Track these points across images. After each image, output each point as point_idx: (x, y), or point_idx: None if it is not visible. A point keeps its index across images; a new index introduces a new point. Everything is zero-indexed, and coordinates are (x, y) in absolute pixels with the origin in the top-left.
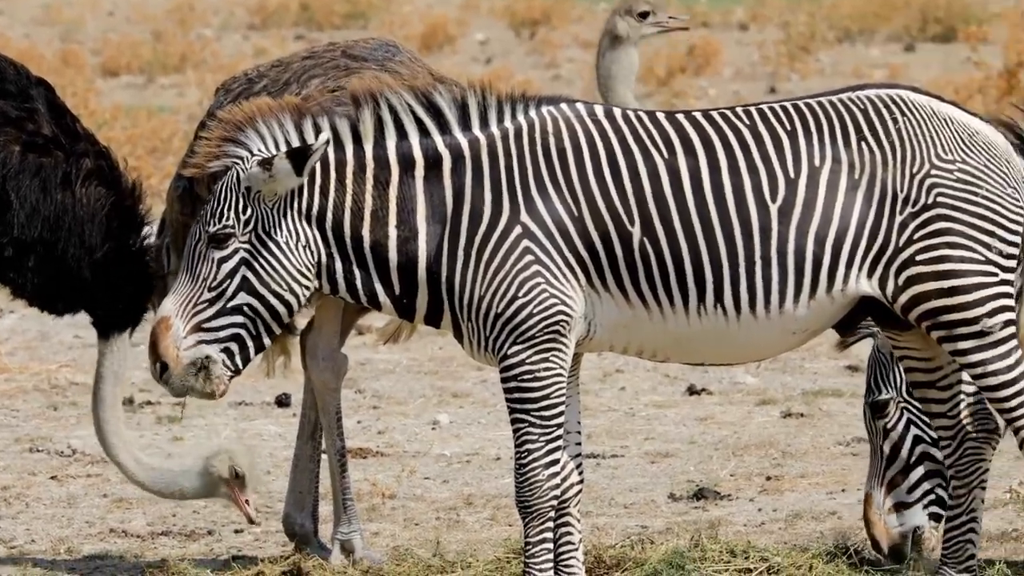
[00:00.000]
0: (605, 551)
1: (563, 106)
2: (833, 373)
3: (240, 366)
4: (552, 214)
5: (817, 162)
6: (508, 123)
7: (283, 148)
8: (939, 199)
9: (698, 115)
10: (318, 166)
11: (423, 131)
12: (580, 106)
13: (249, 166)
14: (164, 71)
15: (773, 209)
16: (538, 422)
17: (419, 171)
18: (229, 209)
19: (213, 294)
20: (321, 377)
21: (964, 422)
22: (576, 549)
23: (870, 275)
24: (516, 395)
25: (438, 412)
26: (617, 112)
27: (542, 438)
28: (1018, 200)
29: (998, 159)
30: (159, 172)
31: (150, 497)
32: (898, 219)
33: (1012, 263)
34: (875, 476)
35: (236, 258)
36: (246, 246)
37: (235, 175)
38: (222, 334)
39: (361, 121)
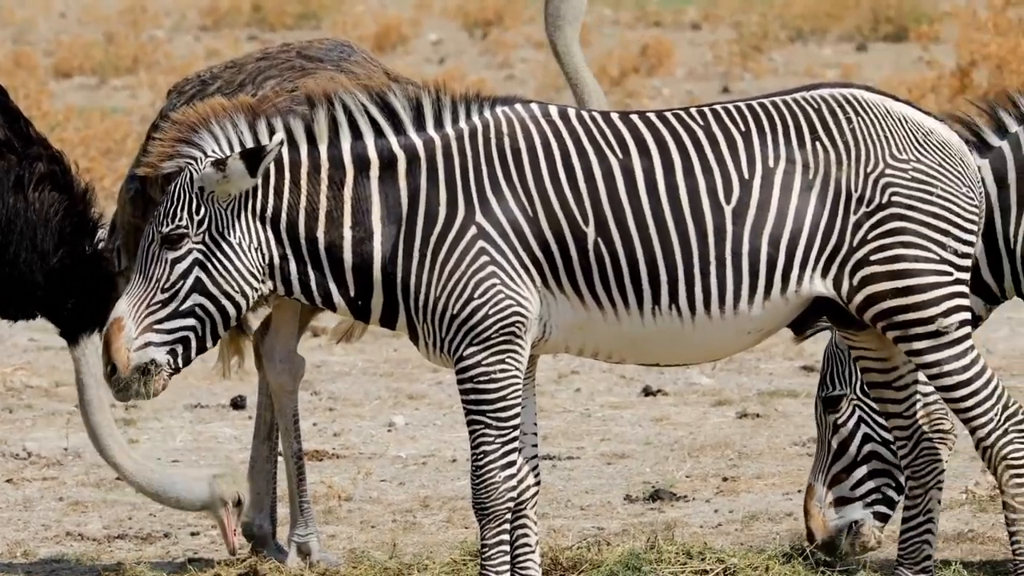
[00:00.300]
0: (561, 553)
1: (517, 106)
2: (788, 374)
3: (181, 366)
4: (507, 215)
5: (771, 162)
6: (463, 124)
7: (237, 149)
8: (893, 199)
9: (652, 116)
10: (272, 167)
11: (378, 132)
12: (534, 106)
13: (203, 167)
14: (116, 72)
15: (727, 210)
16: (494, 424)
17: (374, 172)
18: (182, 210)
19: (166, 295)
20: (278, 380)
21: (920, 423)
22: (532, 551)
23: (824, 275)
24: (472, 397)
25: (394, 414)
26: (571, 112)
27: (498, 440)
28: (972, 199)
29: (952, 158)
30: (112, 174)
31: (105, 500)
32: (852, 219)
33: (967, 262)
34: (820, 469)
35: (189, 259)
36: (199, 247)
37: (189, 175)
38: (172, 336)
39: (316, 122)
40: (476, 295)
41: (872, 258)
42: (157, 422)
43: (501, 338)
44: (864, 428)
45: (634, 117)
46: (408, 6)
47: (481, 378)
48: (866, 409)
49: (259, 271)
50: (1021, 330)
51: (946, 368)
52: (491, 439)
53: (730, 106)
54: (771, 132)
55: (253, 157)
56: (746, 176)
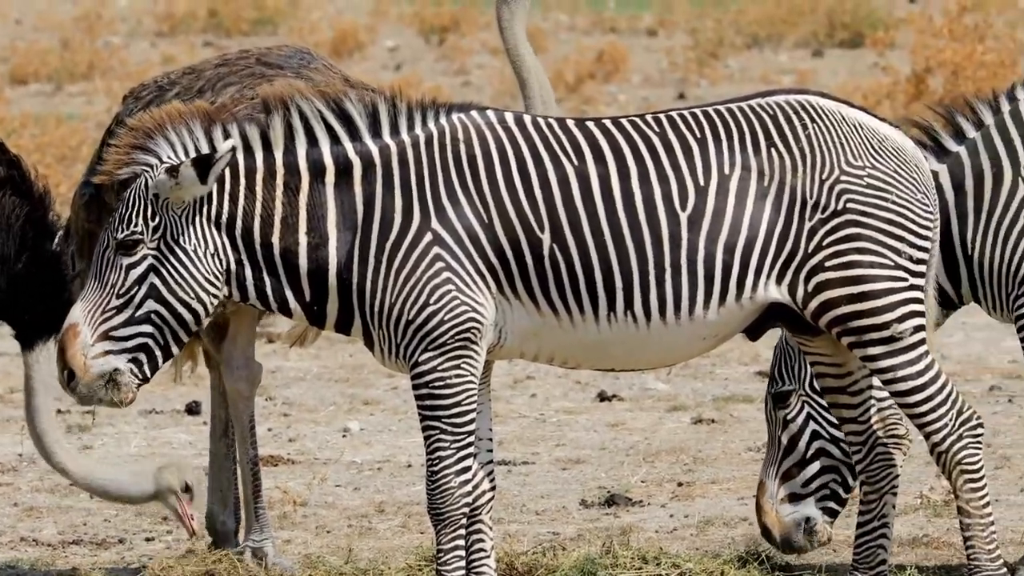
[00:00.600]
0: (517, 558)
1: (473, 113)
2: (744, 379)
3: (148, 375)
4: (462, 221)
5: (727, 169)
6: (419, 130)
7: (193, 155)
8: (849, 205)
9: (608, 122)
10: (228, 173)
11: (334, 138)
12: (490, 113)
13: (157, 173)
14: (72, 79)
15: (683, 217)
16: (449, 429)
17: (329, 178)
18: (138, 216)
19: (121, 301)
20: (235, 386)
21: (875, 428)
22: (488, 556)
23: (780, 281)
24: (427, 402)
25: (349, 419)
26: (527, 119)
27: (453, 445)
28: (927, 205)
29: (908, 164)
30: (68, 180)
31: (60, 506)
32: (807, 225)
33: (922, 268)
34: (771, 465)
35: (144, 265)
36: (154, 253)
37: (144, 182)
38: (130, 343)
39: (271, 127)
40: (431, 301)
41: (827, 264)
42: (112, 428)
43: (456, 344)
44: (813, 424)
45: (590, 124)
46: (364, 12)
47: (436, 384)
48: (815, 405)
49: (215, 277)
50: (976, 335)
51: (901, 373)
52: (446, 444)
53: (686, 113)
54: (727, 139)
55: (204, 164)
56: (702, 183)
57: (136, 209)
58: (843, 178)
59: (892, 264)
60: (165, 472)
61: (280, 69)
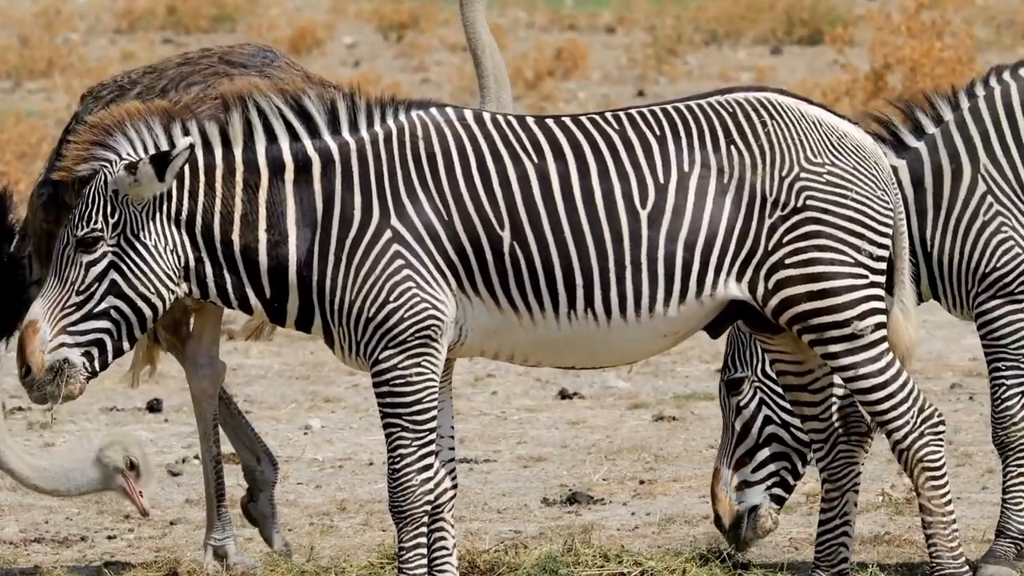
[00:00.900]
0: (479, 556)
1: (433, 110)
2: (704, 377)
3: (98, 369)
4: (422, 219)
5: (686, 167)
6: (378, 127)
7: (152, 152)
8: (808, 202)
9: (567, 120)
10: (187, 170)
11: (293, 135)
12: (450, 110)
13: (116, 170)
14: (31, 76)
15: (643, 215)
16: (411, 427)
17: (289, 175)
18: (97, 212)
19: (81, 298)
20: (199, 385)
21: (836, 425)
22: (450, 554)
23: (740, 279)
24: (388, 400)
25: (310, 417)
26: (487, 117)
27: (415, 443)
28: (887, 202)
29: (867, 161)
30: (28, 177)
31: (22, 504)
32: (767, 223)
33: (882, 265)
34: (725, 453)
35: (104, 262)
36: (114, 249)
37: (103, 179)
38: (85, 338)
39: (230, 124)
40: (391, 299)
41: (787, 261)
42: (73, 425)
43: (417, 341)
44: (765, 410)
45: (549, 121)
46: (323, 9)
47: (397, 381)
48: (767, 391)
49: (175, 273)
50: (937, 333)
51: (862, 371)
52: (408, 442)
53: (645, 110)
54: (686, 136)
55: (162, 162)
56: (661, 181)
57: (96, 206)
58: (803, 175)
59: (852, 261)
60: (107, 451)
61: (243, 67)
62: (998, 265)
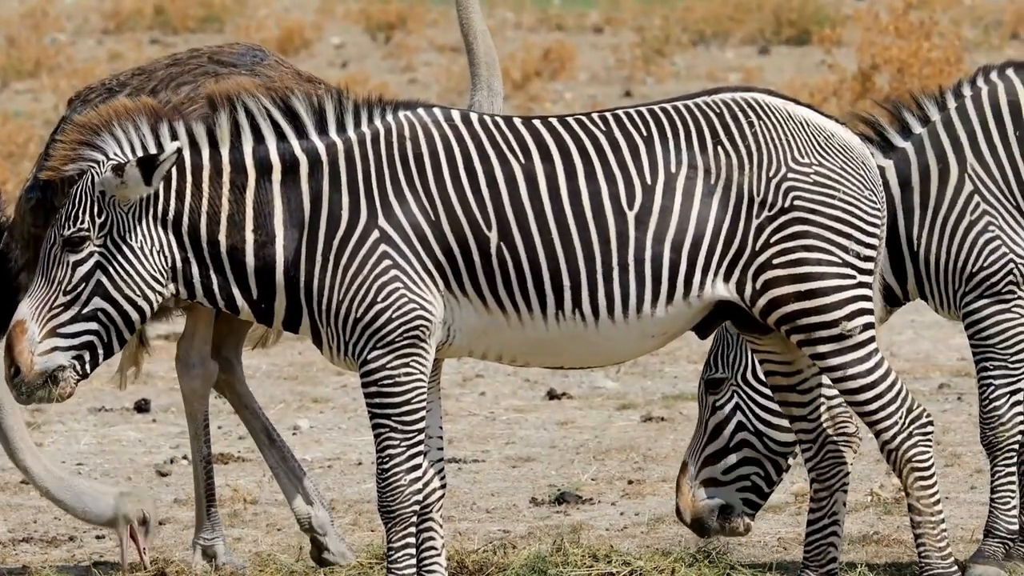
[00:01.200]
0: (467, 556)
1: (420, 111)
2: (692, 377)
3: (88, 371)
4: (410, 219)
5: (673, 168)
6: (365, 128)
7: (139, 152)
8: (796, 202)
9: (554, 121)
10: (174, 170)
11: (280, 135)
12: (437, 111)
13: (104, 170)
14: (19, 76)
15: (630, 216)
16: (399, 427)
17: (276, 175)
18: (84, 212)
19: (68, 298)
20: (191, 384)
21: (825, 425)
22: (439, 554)
23: (727, 279)
24: (377, 400)
25: (298, 417)
26: (474, 117)
27: (403, 443)
28: (875, 202)
29: (855, 161)
30: (15, 178)
31: (10, 503)
32: (755, 223)
33: (870, 265)
34: (695, 448)
35: (91, 262)
36: (101, 250)
37: (90, 179)
38: (76, 341)
39: (217, 125)
40: (379, 299)
41: (775, 262)
42: (61, 425)
43: (405, 342)
44: (739, 415)
45: (536, 122)
46: (311, 10)
47: (385, 382)
48: (745, 397)
49: (162, 275)
50: (925, 333)
51: (850, 371)
52: (396, 442)
53: (632, 111)
54: (673, 137)
55: (149, 165)
56: (648, 181)
57: (83, 206)
58: (790, 175)
59: (840, 261)
60: (126, 499)
61: (233, 67)
62: (985, 265)
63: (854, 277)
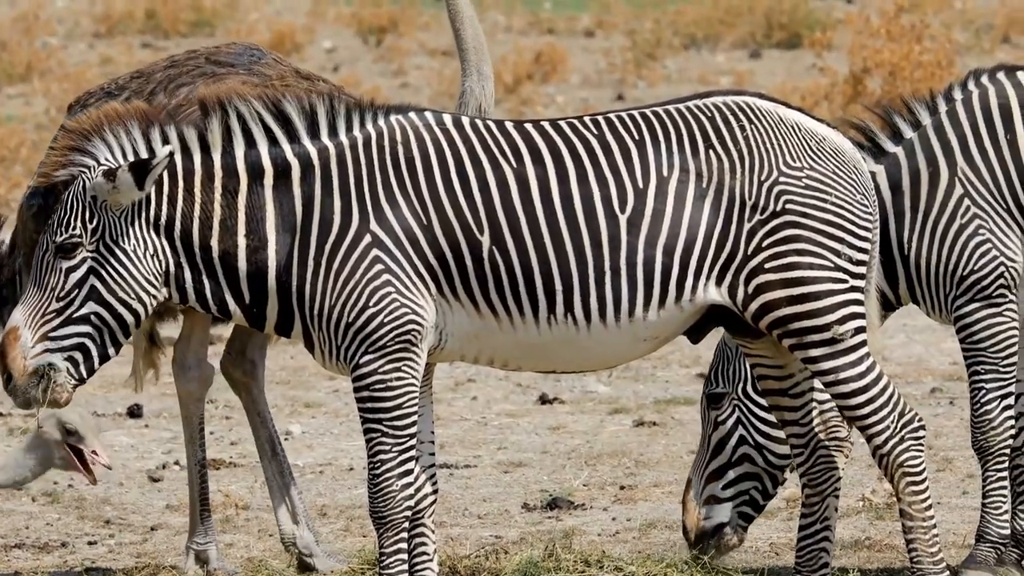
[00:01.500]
0: (459, 561)
1: (412, 115)
2: (685, 381)
3: (85, 375)
4: (401, 223)
5: (665, 171)
6: (357, 132)
7: (131, 157)
8: (787, 206)
9: (546, 124)
10: (166, 175)
11: (272, 140)
12: (429, 115)
13: (95, 176)
14: (10, 80)
15: (622, 219)
16: (391, 432)
17: (268, 180)
18: (76, 218)
19: (61, 304)
20: (187, 388)
21: (816, 430)
22: (431, 559)
23: (719, 283)
24: (368, 405)
25: (290, 423)
26: (465, 121)
27: (395, 448)
28: (867, 206)
29: (846, 165)
30: (7, 182)
31: (2, 509)
32: (746, 227)
33: (862, 269)
34: (700, 465)
35: (84, 268)
36: (93, 255)
37: (82, 184)
38: (67, 343)
39: (209, 129)
40: (371, 303)
41: (766, 266)
42: None
43: (397, 346)
44: (741, 430)
45: (528, 126)
46: (302, 13)
47: (377, 386)
48: (745, 410)
49: (155, 278)
50: (917, 337)
51: (842, 376)
52: (388, 447)
53: (624, 115)
54: (665, 141)
55: (141, 170)
56: (640, 185)
57: (74, 212)
58: (781, 179)
59: (832, 265)
60: (44, 427)
61: (231, 67)
62: (976, 268)
63: (846, 281)
